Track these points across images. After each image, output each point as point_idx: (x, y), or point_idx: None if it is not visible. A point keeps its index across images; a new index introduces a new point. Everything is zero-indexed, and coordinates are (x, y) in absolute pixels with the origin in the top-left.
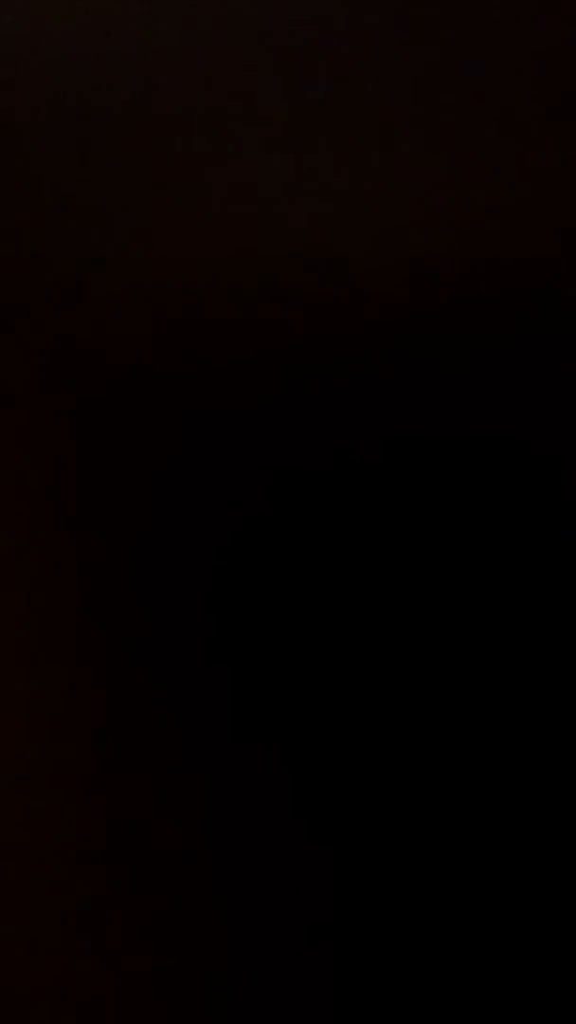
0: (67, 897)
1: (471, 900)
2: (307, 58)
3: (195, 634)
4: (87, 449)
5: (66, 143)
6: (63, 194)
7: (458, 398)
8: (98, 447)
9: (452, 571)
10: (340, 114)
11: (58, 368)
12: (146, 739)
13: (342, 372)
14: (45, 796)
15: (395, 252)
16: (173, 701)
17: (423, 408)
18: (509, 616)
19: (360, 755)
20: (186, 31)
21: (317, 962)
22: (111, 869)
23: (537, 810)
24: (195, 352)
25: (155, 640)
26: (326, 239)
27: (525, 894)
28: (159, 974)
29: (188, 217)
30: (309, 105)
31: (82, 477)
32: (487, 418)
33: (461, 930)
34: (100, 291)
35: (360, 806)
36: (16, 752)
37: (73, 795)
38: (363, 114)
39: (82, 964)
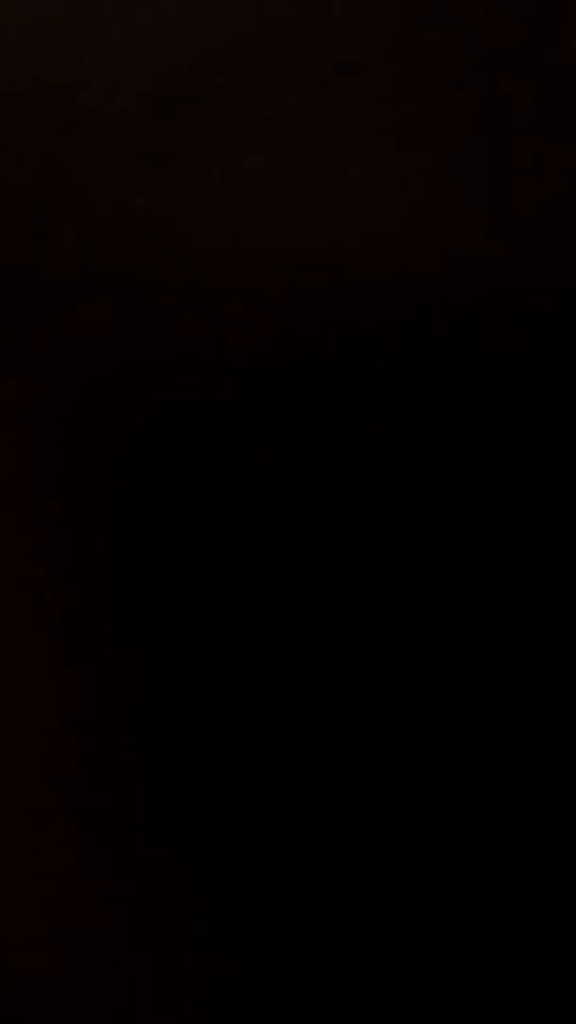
0: (64, 897)
1: (470, 902)
2: (308, 58)
3: (189, 630)
4: (83, 447)
5: (65, 142)
6: (62, 193)
7: (457, 395)
8: (94, 445)
9: (448, 564)
10: (340, 114)
11: (52, 365)
12: (140, 737)
13: (340, 367)
14: (40, 800)
15: (395, 253)
16: (166, 701)
17: (422, 405)
18: (508, 610)
19: (357, 755)
20: (186, 30)
21: (312, 965)
22: (107, 867)
23: (537, 806)
24: (192, 350)
25: (147, 636)
26: (325, 240)
27: (525, 891)
28: (157, 973)
29: (187, 217)
30: (309, 105)
31: (78, 474)
32: (485, 416)
33: (460, 933)
34: (99, 292)
35: (357, 808)
36: (15, 751)
37: (70, 795)
38: (364, 114)
39: (79, 965)
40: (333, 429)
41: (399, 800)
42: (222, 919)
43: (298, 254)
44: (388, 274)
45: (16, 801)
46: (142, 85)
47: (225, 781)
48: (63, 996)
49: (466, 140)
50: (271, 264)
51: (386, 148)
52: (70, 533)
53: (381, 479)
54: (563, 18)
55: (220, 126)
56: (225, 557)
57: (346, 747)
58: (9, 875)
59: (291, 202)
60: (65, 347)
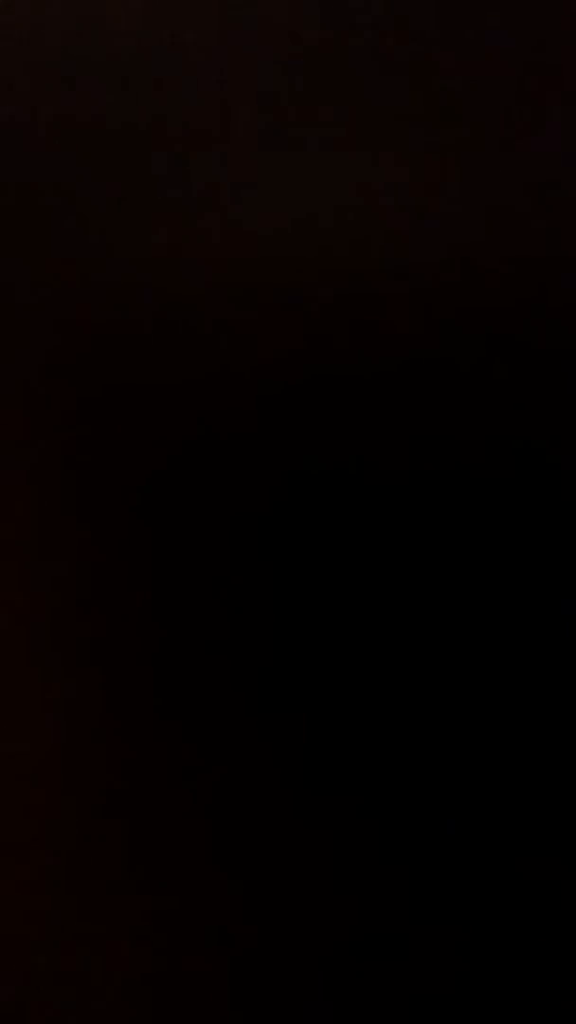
0: (68, 893)
1: (471, 898)
2: (307, 58)
3: (198, 629)
4: (89, 450)
5: (65, 147)
6: (62, 196)
7: (458, 401)
8: (100, 448)
9: (452, 569)
10: (339, 115)
11: (58, 369)
12: (149, 735)
13: (342, 374)
14: (47, 795)
15: (395, 254)
16: (176, 697)
17: (424, 411)
18: (509, 617)
19: (360, 753)
20: (186, 31)
21: (317, 961)
22: (113, 866)
23: (537, 805)
24: (194, 354)
25: (158, 635)
26: (325, 241)
27: (525, 888)
28: (159, 971)
29: (187, 220)
30: (309, 106)
31: (85, 477)
32: (487, 422)
33: (461, 929)
34: (100, 293)
35: (361, 804)
36: (21, 748)
37: (75, 791)
38: (363, 115)
39: (82, 959)
40: (335, 432)
41: (403, 797)
42: (222, 920)
43: (298, 258)
44: (392, 280)
45: (17, 801)
46: (141, 84)
47: (227, 780)
48: (62, 997)
49: (467, 141)
50: (272, 272)
51: (386, 152)
52: (73, 537)
53: (381, 481)
54: (563, 17)
55: (220, 126)
56: (231, 553)
57: (349, 741)
58: (8, 876)
59: (292, 206)
60: (69, 356)
